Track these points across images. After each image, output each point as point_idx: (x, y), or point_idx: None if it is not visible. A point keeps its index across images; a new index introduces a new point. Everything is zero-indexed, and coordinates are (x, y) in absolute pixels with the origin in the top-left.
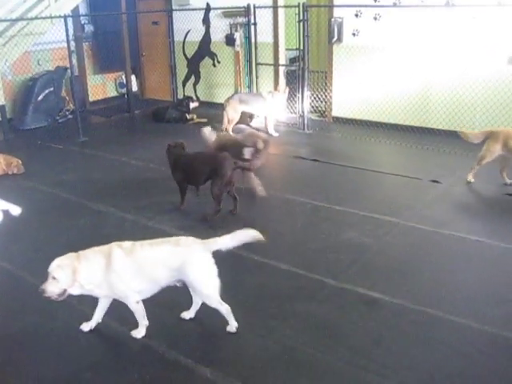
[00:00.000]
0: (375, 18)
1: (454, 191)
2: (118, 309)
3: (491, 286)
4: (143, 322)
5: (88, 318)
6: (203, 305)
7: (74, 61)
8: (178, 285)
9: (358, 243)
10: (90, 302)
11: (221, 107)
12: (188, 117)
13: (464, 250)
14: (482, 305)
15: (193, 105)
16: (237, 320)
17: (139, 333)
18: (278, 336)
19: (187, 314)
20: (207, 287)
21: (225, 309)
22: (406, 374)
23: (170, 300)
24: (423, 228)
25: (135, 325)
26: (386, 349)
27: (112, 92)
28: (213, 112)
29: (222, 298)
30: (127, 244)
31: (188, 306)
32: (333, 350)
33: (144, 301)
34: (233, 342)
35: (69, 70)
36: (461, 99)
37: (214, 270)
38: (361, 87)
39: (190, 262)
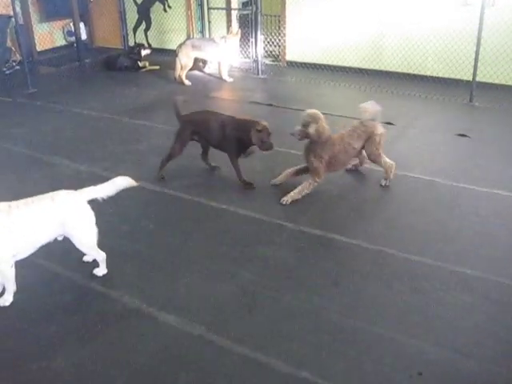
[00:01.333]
0: None
1: (407, 133)
2: (79, 260)
3: (443, 224)
4: (12, 288)
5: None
6: (166, 252)
7: (18, 8)
8: (59, 239)
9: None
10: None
11: (173, 54)
12: (140, 64)
13: (417, 189)
14: (435, 242)
15: (144, 52)
16: (198, 266)
17: (6, 301)
18: (238, 280)
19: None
20: (87, 239)
21: (101, 256)
22: (363, 312)
23: (128, 249)
24: (377, 169)
25: (97, 276)
26: (345, 288)
27: (60, 41)
28: (165, 59)
29: (184, 245)
30: (3, 206)
31: (145, 255)
32: (293, 291)
33: (104, 251)
34: (194, 288)
35: (13, 19)
36: (413, 41)
37: (92, 219)
38: (315, 31)
39: (69, 217)
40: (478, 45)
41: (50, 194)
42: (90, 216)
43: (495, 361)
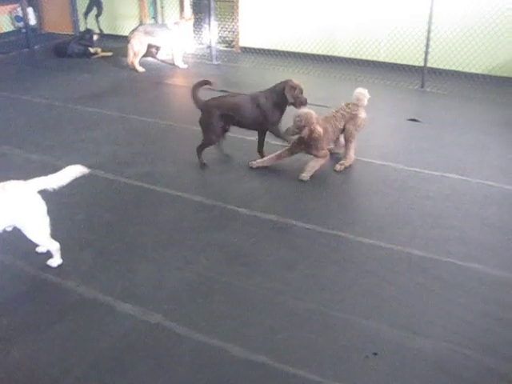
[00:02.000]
0: None
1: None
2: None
3: (396, 207)
4: None
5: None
6: (122, 241)
7: None
8: (8, 229)
9: (268, 172)
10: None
11: (126, 40)
12: (92, 50)
13: (370, 174)
14: (388, 225)
15: (96, 37)
16: (154, 254)
17: None
18: (194, 267)
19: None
20: (39, 230)
21: (55, 246)
22: (319, 295)
23: (83, 238)
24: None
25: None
26: (300, 272)
27: (8, 26)
28: (118, 45)
29: (139, 233)
30: None
31: (100, 245)
32: (248, 276)
33: (58, 241)
34: (151, 276)
35: None
36: (366, 27)
37: (44, 209)
38: (268, 17)
39: (19, 207)
40: (429, 31)
41: (0, 184)
42: (41, 206)
43: (448, 339)
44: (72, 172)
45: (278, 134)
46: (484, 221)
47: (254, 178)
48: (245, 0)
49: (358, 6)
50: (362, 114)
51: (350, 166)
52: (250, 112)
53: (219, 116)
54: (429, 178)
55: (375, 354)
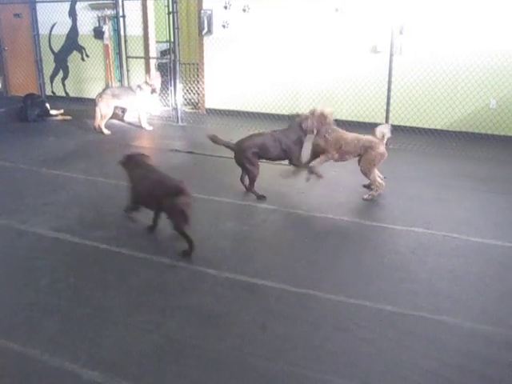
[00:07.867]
0: (244, 10)
1: (325, 177)
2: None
3: (364, 264)
4: None
5: None
6: (88, 306)
7: None
8: None
9: (236, 232)
10: None
11: (92, 102)
12: (53, 112)
13: (338, 230)
14: (358, 283)
15: (54, 112)
16: (122, 318)
17: None
18: (163, 330)
19: None
20: None
21: None
22: (292, 355)
23: (48, 304)
24: (299, 213)
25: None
26: (272, 333)
27: None
28: (83, 108)
29: (106, 297)
30: None
31: (66, 310)
32: (220, 339)
33: (23, 307)
34: (118, 340)
35: None
36: (328, 87)
37: None
38: (232, 78)
39: None
40: (389, 90)
41: None
42: None
43: None
44: None
45: (299, 163)
46: (451, 273)
47: (221, 238)
48: (209, 62)
49: (319, 67)
50: (380, 149)
51: (378, 194)
52: (275, 147)
53: (252, 153)
54: (395, 233)
55: None
